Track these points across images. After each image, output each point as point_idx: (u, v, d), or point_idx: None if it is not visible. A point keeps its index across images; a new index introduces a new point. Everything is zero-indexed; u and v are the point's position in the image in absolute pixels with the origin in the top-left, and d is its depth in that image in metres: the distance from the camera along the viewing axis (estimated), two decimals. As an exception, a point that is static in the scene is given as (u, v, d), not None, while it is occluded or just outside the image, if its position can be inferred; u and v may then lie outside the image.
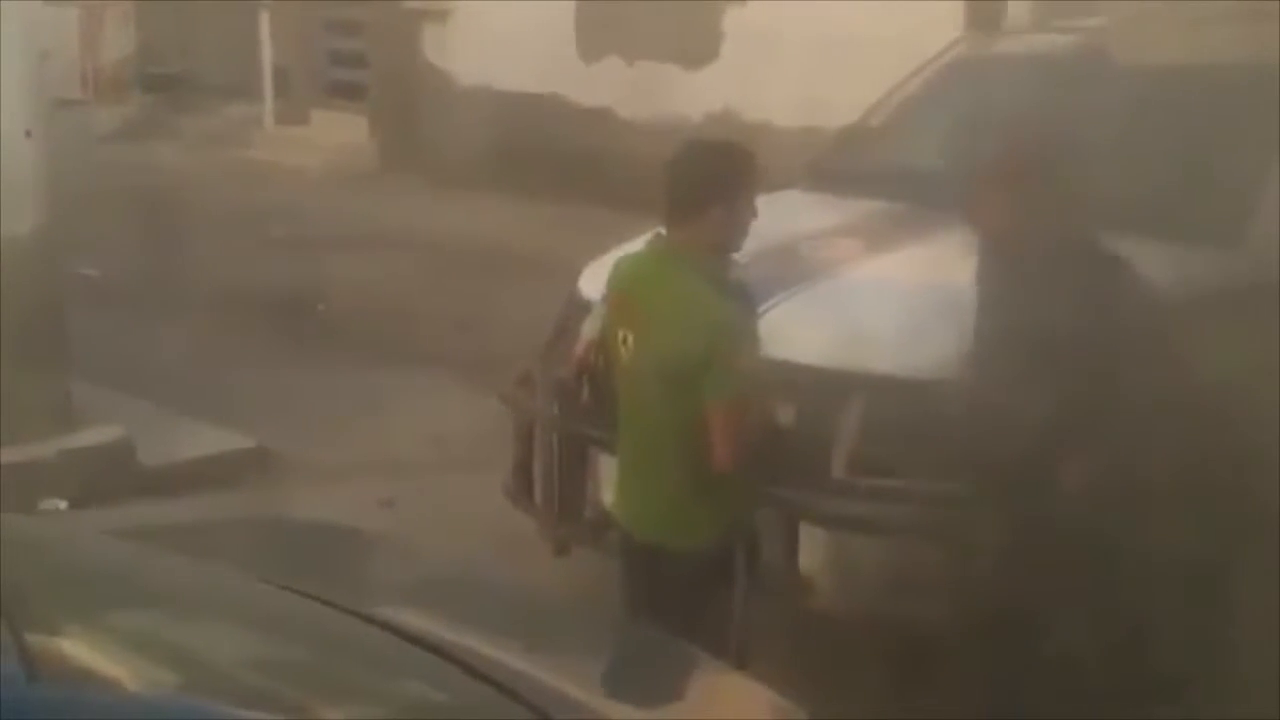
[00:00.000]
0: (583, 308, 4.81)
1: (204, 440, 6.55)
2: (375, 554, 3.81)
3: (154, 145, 12.81)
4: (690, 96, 9.73)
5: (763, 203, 5.64)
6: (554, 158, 10.21)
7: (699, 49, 9.65)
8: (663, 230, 3.92)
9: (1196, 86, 5.41)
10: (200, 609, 2.91)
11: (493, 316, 7.34)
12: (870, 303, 4.83)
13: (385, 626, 2.99)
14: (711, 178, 3.85)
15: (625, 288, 4.02)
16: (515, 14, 10.88)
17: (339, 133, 12.73)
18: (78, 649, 2.46)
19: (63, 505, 5.88)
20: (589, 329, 4.34)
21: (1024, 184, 4.00)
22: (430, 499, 5.82)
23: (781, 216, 5.62)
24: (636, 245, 4.11)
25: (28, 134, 6.17)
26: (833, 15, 8.76)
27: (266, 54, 13.25)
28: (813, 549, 4.59)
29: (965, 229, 5.19)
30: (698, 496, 3.88)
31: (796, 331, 4.73)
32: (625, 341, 3.95)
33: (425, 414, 6.61)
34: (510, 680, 2.83)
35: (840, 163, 6.03)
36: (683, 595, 3.84)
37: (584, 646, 3.32)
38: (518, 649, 3.15)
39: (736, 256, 3.97)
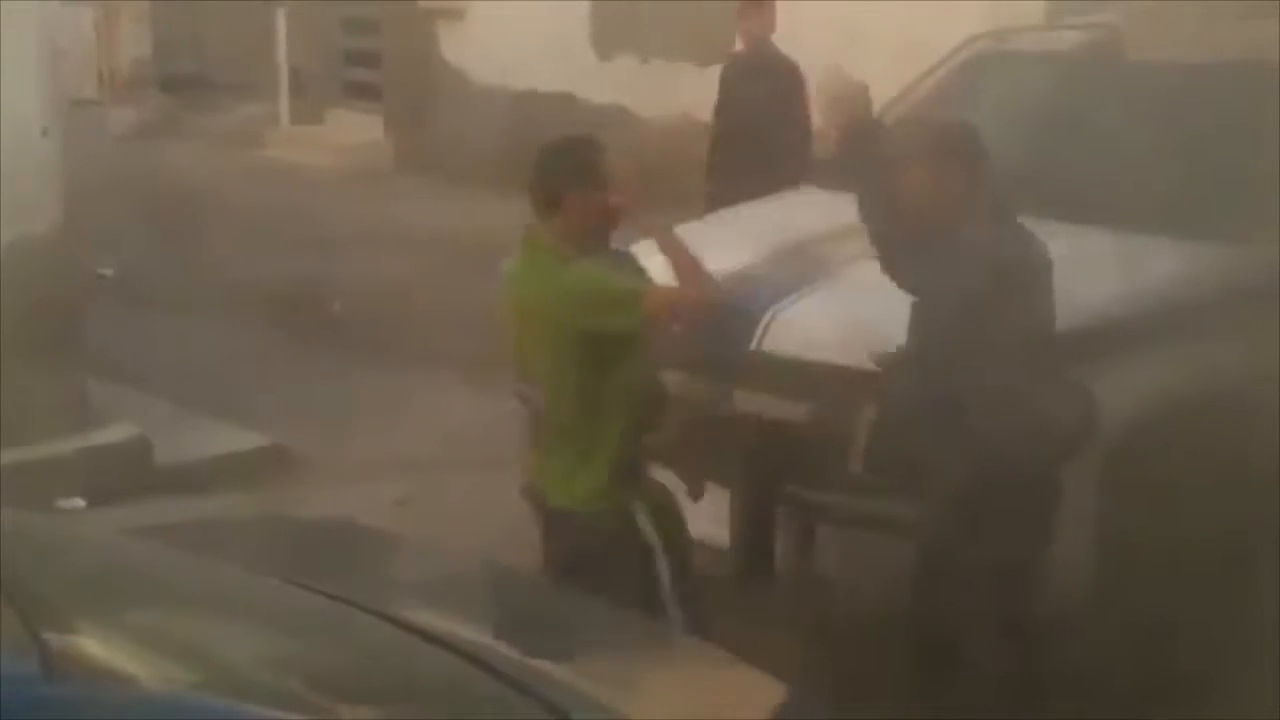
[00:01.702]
0: None
1: (220, 439, 6.56)
2: (391, 552, 3.82)
3: (169, 144, 12.83)
4: (704, 94, 9.71)
5: (777, 200, 5.65)
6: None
7: (713, 47, 9.63)
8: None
9: (1210, 83, 5.40)
10: (217, 607, 2.91)
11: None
12: (888, 300, 4.81)
13: (403, 625, 2.99)
14: (563, 172, 4.10)
15: (519, 291, 4.21)
16: (530, 12, 10.88)
17: (354, 132, 12.75)
18: (95, 647, 2.46)
19: (80, 504, 5.89)
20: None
21: (946, 166, 4.08)
22: (445, 497, 5.82)
23: (799, 213, 5.64)
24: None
25: (44, 132, 6.18)
26: (847, 12, 8.74)
27: (282, 53, 13.27)
28: (830, 547, 4.59)
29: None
30: (590, 459, 4.07)
31: (812, 329, 4.72)
32: (531, 338, 4.14)
33: (440, 412, 6.62)
34: (529, 679, 2.83)
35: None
36: (594, 559, 3.96)
37: (601, 645, 3.32)
38: (535, 648, 3.16)
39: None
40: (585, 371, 4.03)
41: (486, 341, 4.18)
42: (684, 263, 4.08)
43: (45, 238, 6.21)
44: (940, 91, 6.01)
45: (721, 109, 7.57)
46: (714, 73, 7.95)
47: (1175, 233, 4.91)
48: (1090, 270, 4.72)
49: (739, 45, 7.68)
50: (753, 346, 4.74)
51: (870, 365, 4.48)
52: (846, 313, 4.78)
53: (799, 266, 5.04)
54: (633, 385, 4.08)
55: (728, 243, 5.39)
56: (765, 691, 3.14)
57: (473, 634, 3.18)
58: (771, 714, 3.09)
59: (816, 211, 5.57)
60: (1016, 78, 5.90)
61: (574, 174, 4.09)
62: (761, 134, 6.93)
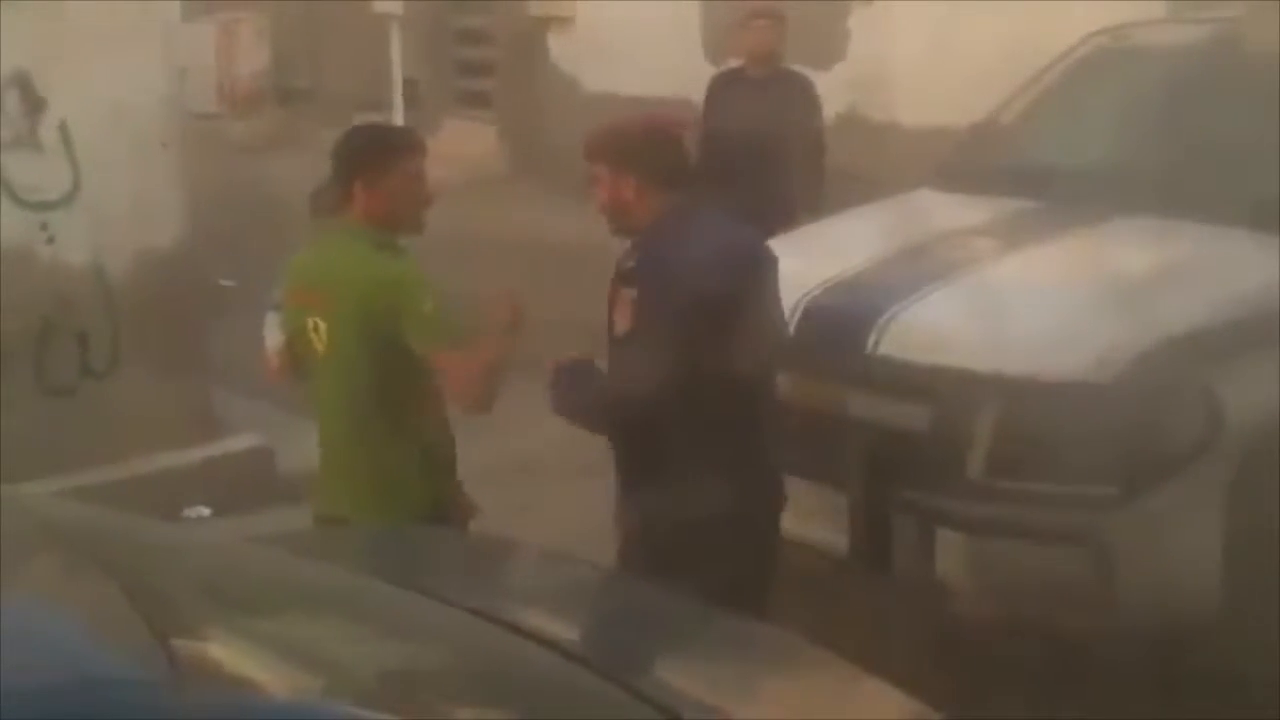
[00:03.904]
0: None
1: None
2: (507, 558, 3.82)
3: (288, 156, 13.01)
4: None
5: (893, 204, 5.61)
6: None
7: (824, 49, 9.58)
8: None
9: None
10: (340, 614, 2.93)
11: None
12: (1006, 303, 4.76)
13: (522, 631, 3.00)
14: (349, 157, 4.06)
15: (305, 278, 4.14)
16: (640, 18, 10.89)
17: (468, 141, 12.84)
18: (221, 653, 2.49)
19: (205, 512, 5.99)
20: (270, 340, 4.40)
21: (612, 163, 3.96)
22: (559, 503, 5.84)
23: (912, 217, 5.59)
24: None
25: (165, 146, 6.30)
26: (959, 13, 8.66)
27: (397, 65, 13.41)
28: (950, 553, 4.54)
29: (1103, 227, 5.12)
30: (394, 472, 4.01)
31: (929, 333, 4.68)
32: (316, 329, 4.06)
33: (552, 418, 6.63)
34: (645, 685, 2.83)
35: (973, 161, 5.96)
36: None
37: (713, 648, 3.30)
38: (650, 654, 3.15)
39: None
40: (371, 370, 3.96)
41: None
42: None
43: (168, 250, 6.33)
44: (1059, 89, 5.93)
45: (722, 123, 7.04)
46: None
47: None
48: (1215, 270, 4.64)
49: (742, 59, 7.30)
50: (869, 350, 4.71)
51: (993, 369, 4.44)
52: (963, 316, 4.73)
53: (915, 269, 5.00)
54: (410, 405, 3.99)
55: (843, 245, 5.37)
56: (893, 704, 3.11)
57: (588, 640, 3.18)
58: (888, 717, 3.05)
59: (932, 214, 5.53)
60: (1136, 74, 5.80)
61: (359, 160, 4.04)
62: (778, 149, 6.69)
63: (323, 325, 4.04)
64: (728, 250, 3.91)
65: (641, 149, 3.97)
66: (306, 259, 4.18)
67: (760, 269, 3.98)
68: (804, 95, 7.08)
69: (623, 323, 3.88)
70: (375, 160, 4.04)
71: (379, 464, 4.04)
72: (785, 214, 6.11)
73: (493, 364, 3.94)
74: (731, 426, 3.84)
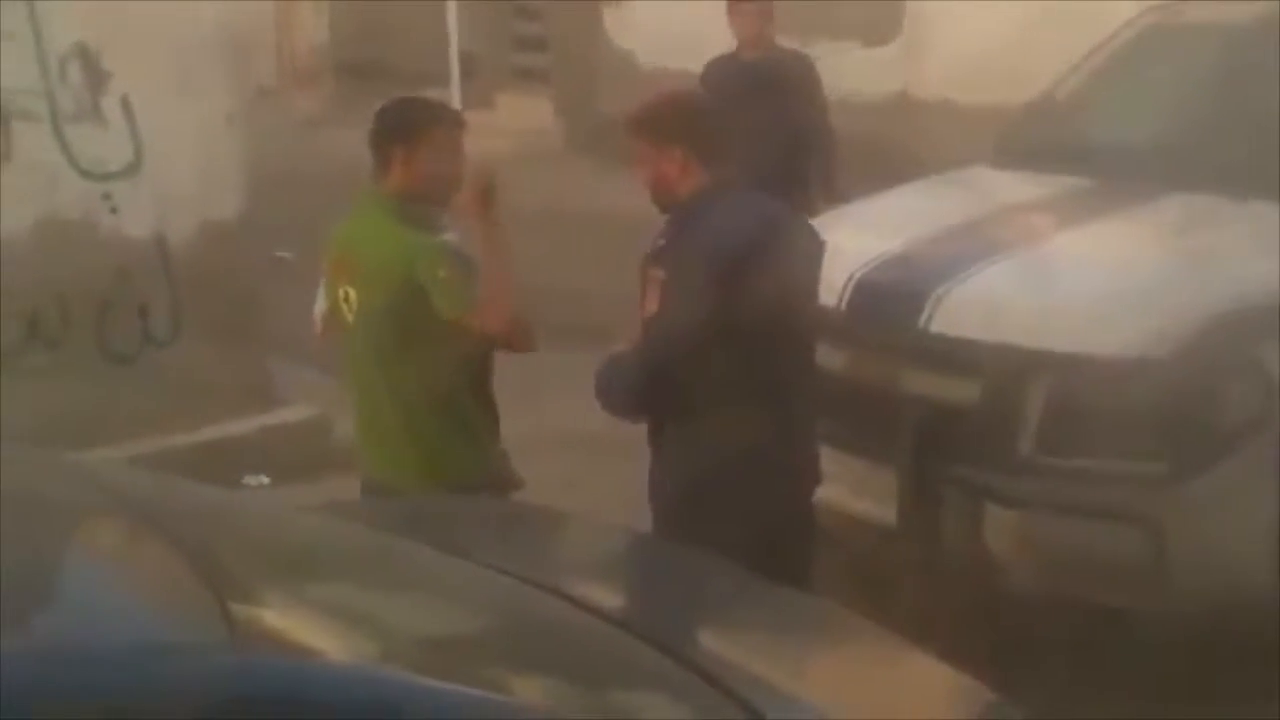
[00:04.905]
0: None
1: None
2: (562, 530, 3.85)
3: (346, 130, 13.06)
4: (870, 74, 9.63)
5: (946, 180, 5.60)
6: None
7: (879, 26, 9.54)
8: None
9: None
10: (396, 582, 2.97)
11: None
12: (1059, 279, 4.75)
13: (577, 602, 3.03)
14: (386, 128, 4.09)
15: (339, 248, 4.15)
16: (694, -8, 10.87)
17: (524, 116, 12.86)
18: (280, 619, 2.52)
19: (265, 480, 6.06)
20: (317, 308, 4.39)
21: (655, 137, 3.96)
22: (611, 478, 5.86)
23: (966, 193, 5.58)
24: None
25: (229, 119, 6.37)
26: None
27: (454, 39, 13.45)
28: (998, 528, 4.55)
29: (1156, 204, 5.10)
30: (430, 441, 4.02)
31: (983, 309, 4.68)
32: (347, 299, 4.08)
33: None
34: (704, 661, 2.85)
35: (1028, 138, 5.93)
36: None
37: (759, 617, 3.32)
38: (688, 617, 3.17)
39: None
40: (398, 339, 3.97)
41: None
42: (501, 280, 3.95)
43: (229, 222, 6.40)
44: (1114, 65, 5.89)
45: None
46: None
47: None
48: (1269, 246, 4.61)
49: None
50: (920, 325, 4.71)
51: (1046, 345, 4.43)
52: (1016, 292, 4.72)
53: (968, 245, 4.99)
54: (441, 375, 3.99)
55: (894, 221, 5.37)
56: (941, 677, 3.12)
57: (635, 607, 3.22)
58: (944, 696, 3.06)
59: (985, 191, 5.52)
60: (1190, 50, 5.76)
61: (398, 130, 4.05)
62: (775, 132, 6.55)
63: (352, 295, 4.08)
64: (757, 229, 3.90)
65: (688, 123, 3.97)
66: (343, 229, 4.21)
67: (792, 246, 3.96)
68: (801, 75, 6.97)
69: (652, 302, 3.89)
70: (411, 132, 4.05)
71: (415, 433, 4.06)
72: (796, 196, 6.02)
73: (506, 285, 3.94)
74: (764, 404, 3.84)
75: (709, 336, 3.75)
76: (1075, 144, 5.72)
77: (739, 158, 6.26)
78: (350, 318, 4.10)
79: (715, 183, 3.95)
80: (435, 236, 4.05)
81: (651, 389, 3.88)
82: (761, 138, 6.48)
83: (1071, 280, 4.73)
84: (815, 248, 4.02)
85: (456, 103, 13.48)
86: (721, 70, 7.09)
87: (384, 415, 4.11)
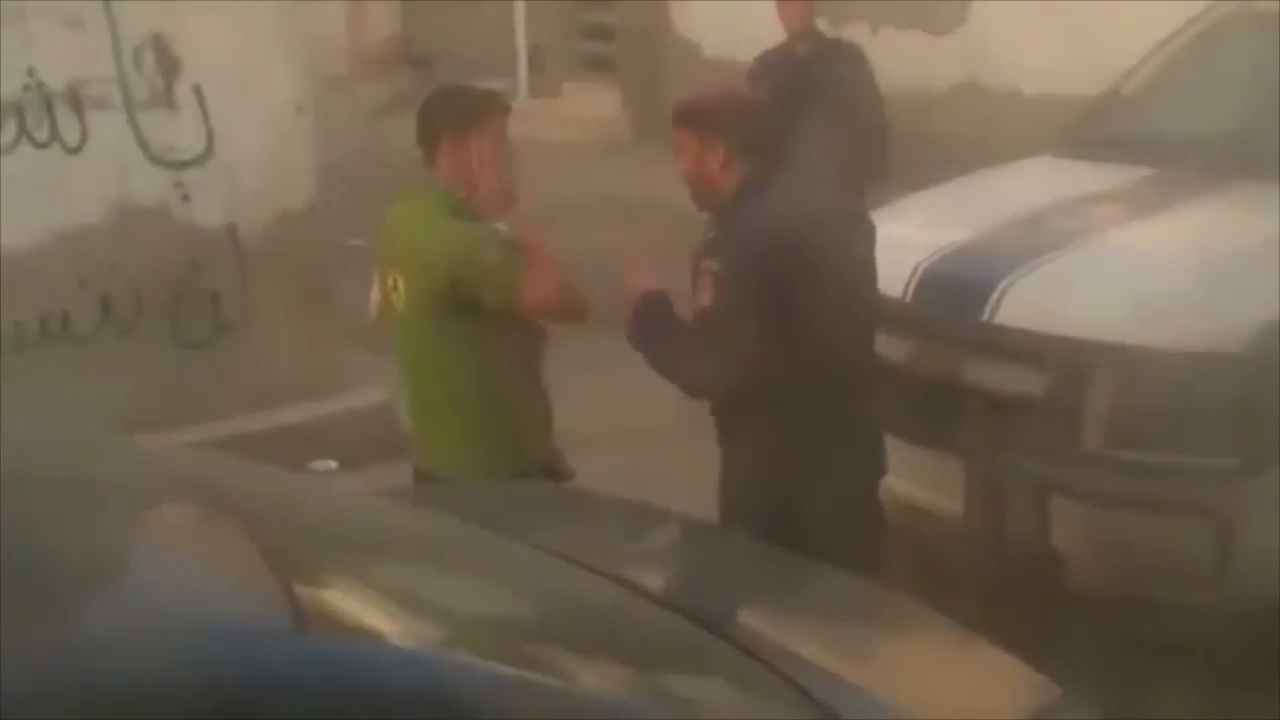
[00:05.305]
0: None
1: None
2: (616, 517, 3.83)
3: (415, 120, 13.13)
4: (935, 64, 9.57)
5: (1012, 170, 5.56)
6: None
7: (944, 15, 9.47)
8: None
9: None
10: (461, 568, 2.98)
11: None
12: (1128, 271, 4.71)
13: (642, 591, 3.04)
14: (432, 117, 4.09)
15: (388, 236, 4.14)
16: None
17: (592, 105, 12.87)
18: (344, 602, 2.54)
19: (332, 465, 6.11)
20: (373, 295, 4.38)
21: (700, 130, 3.96)
22: (674, 465, 5.87)
23: (1032, 184, 5.54)
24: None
25: (298, 109, 6.42)
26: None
27: (521, 30, 13.48)
28: (1066, 522, 4.52)
29: (1228, 195, 5.04)
30: (480, 431, 4.01)
31: (1050, 300, 4.64)
32: (396, 287, 4.08)
33: (667, 385, 6.64)
34: (765, 649, 2.85)
35: (1096, 128, 5.88)
36: None
37: (827, 608, 3.31)
38: (754, 606, 3.16)
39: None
40: (446, 329, 3.97)
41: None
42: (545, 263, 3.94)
43: (300, 210, 6.45)
44: (1185, 56, 5.83)
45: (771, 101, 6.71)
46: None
47: None
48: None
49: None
50: (986, 317, 4.69)
51: (1115, 337, 4.40)
52: (1083, 283, 4.69)
53: (1034, 236, 4.96)
54: (488, 365, 3.98)
55: (960, 211, 5.34)
56: (1010, 672, 3.10)
57: (709, 602, 3.21)
58: (1037, 713, 3.03)
59: (1052, 181, 5.47)
60: (1261, 41, 5.68)
61: (445, 120, 4.04)
62: (826, 124, 6.58)
63: (401, 283, 4.09)
64: (807, 217, 3.88)
65: (731, 117, 3.97)
66: (391, 217, 4.21)
67: (844, 233, 3.95)
68: (852, 67, 6.91)
69: (705, 296, 3.88)
70: (457, 121, 4.05)
71: (465, 423, 4.07)
72: (848, 187, 5.97)
73: (546, 259, 3.94)
74: (825, 393, 3.83)
75: (767, 326, 3.74)
76: (1145, 134, 5.67)
77: (791, 150, 6.25)
78: (400, 307, 4.12)
79: (759, 175, 3.94)
80: (483, 224, 4.06)
81: (711, 381, 3.88)
82: (813, 130, 6.46)
83: (1140, 272, 4.69)
84: (867, 233, 4.01)
85: (523, 92, 13.55)
86: (773, 62, 7.05)
87: (434, 405, 4.13)
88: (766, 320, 3.74)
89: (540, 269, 3.91)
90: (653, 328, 3.94)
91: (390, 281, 4.12)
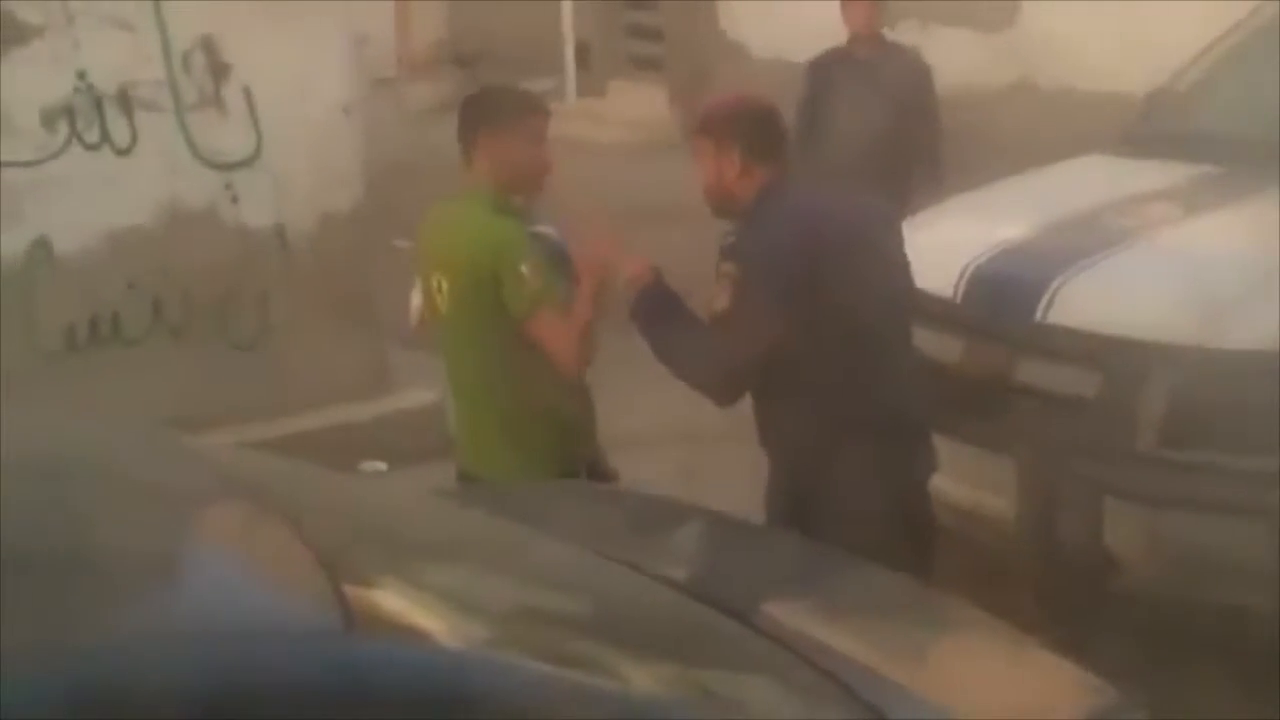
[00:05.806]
0: None
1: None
2: (669, 518, 3.84)
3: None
4: (986, 63, 9.52)
5: (1064, 169, 5.52)
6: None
7: (995, 14, 9.42)
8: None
9: None
10: (510, 568, 2.98)
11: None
12: (1182, 271, 4.67)
13: (687, 590, 3.03)
14: (471, 117, 4.08)
15: (430, 237, 4.14)
16: (808, -17, 10.81)
17: (638, 105, 12.87)
18: (394, 603, 2.54)
19: (381, 466, 6.12)
20: (415, 298, 4.36)
21: (718, 138, 3.93)
22: (726, 468, 5.85)
23: (1086, 182, 5.50)
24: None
25: (346, 111, 6.44)
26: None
27: (568, 29, 13.50)
28: (1119, 523, 4.48)
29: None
30: (523, 433, 4.01)
31: (1102, 300, 4.61)
32: (440, 288, 4.07)
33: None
34: (812, 651, 2.84)
35: (1149, 126, 5.83)
36: None
37: (877, 608, 3.29)
38: (803, 606, 3.15)
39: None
40: (489, 329, 3.96)
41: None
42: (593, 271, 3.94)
43: (348, 212, 6.47)
44: (1238, 55, 5.77)
45: (824, 106, 6.80)
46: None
47: None
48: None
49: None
50: (1038, 317, 4.65)
51: (1168, 337, 4.36)
52: (1137, 283, 4.65)
53: (1087, 235, 4.92)
54: (530, 367, 3.96)
55: (1011, 210, 5.30)
56: (1064, 674, 3.07)
57: (757, 603, 3.20)
58: (1091, 714, 3.00)
59: (1104, 179, 5.43)
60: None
61: (482, 121, 4.03)
62: (884, 133, 6.46)
63: (445, 284, 4.08)
64: (831, 221, 3.87)
65: (747, 125, 3.96)
66: (433, 217, 4.21)
67: (870, 235, 3.94)
68: (914, 74, 6.83)
69: (722, 298, 3.88)
70: (496, 121, 4.05)
71: (506, 423, 4.07)
72: (897, 198, 5.94)
73: (583, 327, 3.94)
74: (859, 393, 3.81)
75: (788, 330, 3.73)
76: (1198, 132, 5.62)
77: (843, 155, 6.22)
78: (444, 308, 4.11)
79: (778, 180, 3.93)
80: (527, 227, 4.05)
81: (729, 384, 3.88)
82: (868, 137, 6.43)
83: (1193, 271, 4.64)
84: (894, 235, 3.99)
85: (571, 92, 13.56)
86: (829, 67, 7.00)
87: (477, 406, 4.13)
88: (776, 323, 3.74)
89: (572, 329, 3.91)
90: (654, 320, 3.93)
91: (434, 283, 4.12)
